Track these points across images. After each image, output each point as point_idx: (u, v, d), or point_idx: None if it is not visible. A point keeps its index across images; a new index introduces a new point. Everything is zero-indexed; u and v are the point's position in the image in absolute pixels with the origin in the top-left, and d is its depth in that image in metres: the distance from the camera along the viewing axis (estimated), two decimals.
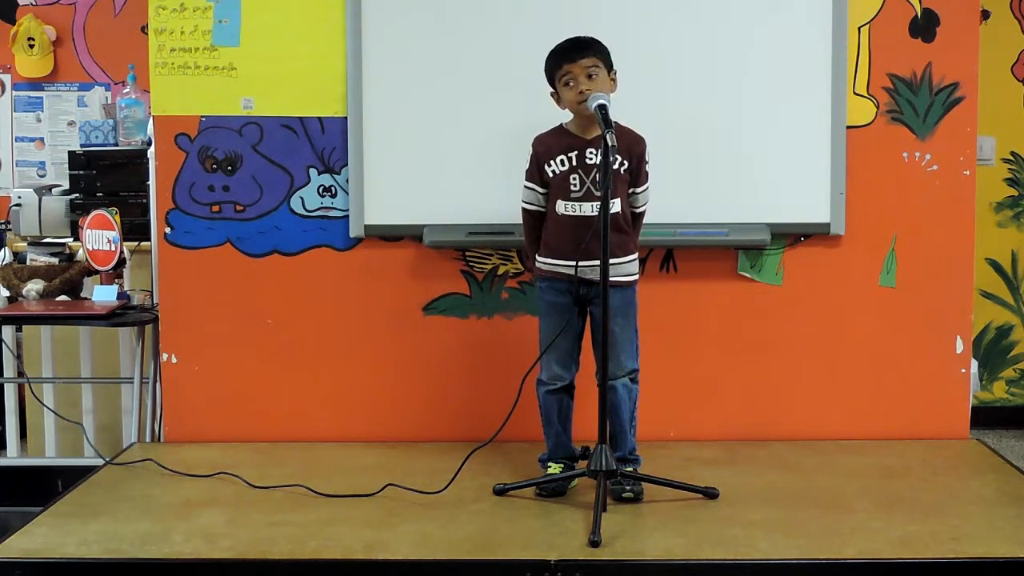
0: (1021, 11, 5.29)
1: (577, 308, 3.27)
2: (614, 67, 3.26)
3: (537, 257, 3.34)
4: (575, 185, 3.24)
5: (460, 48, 3.75)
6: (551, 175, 3.27)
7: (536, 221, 3.34)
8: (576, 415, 3.35)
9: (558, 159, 3.26)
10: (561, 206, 3.26)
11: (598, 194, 3.15)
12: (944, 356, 3.83)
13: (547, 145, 3.30)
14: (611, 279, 3.13)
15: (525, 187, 3.34)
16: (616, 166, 3.22)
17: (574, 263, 3.17)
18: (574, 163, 3.25)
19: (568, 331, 3.27)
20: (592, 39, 3.25)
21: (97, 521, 3.08)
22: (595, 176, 3.20)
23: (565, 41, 3.26)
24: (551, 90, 3.28)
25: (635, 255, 3.32)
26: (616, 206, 3.21)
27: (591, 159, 3.22)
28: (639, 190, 3.30)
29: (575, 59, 3.20)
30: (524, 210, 3.36)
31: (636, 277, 3.32)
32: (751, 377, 3.84)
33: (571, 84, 3.20)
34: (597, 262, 3.09)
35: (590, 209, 3.19)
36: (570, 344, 3.30)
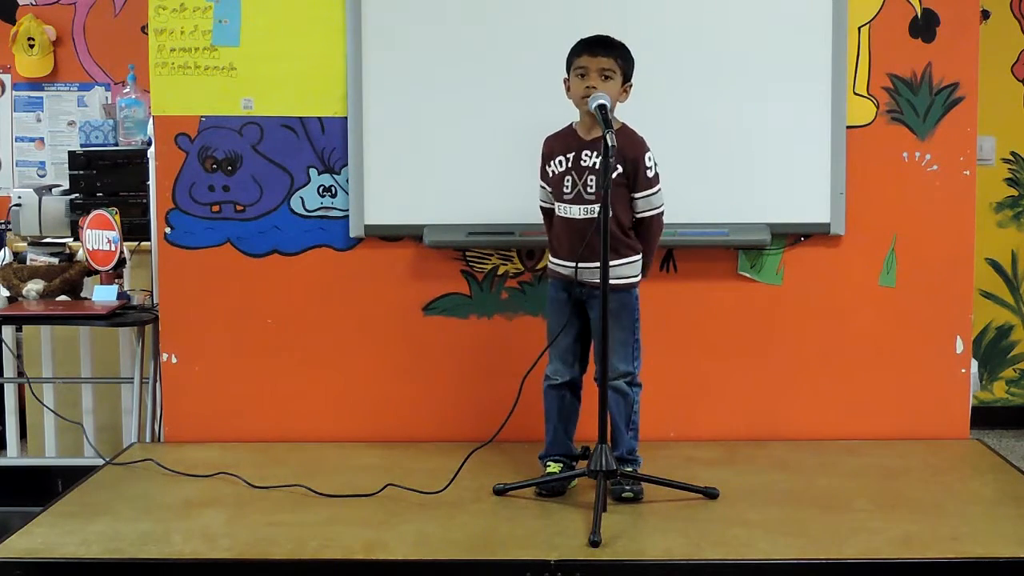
0: (1021, 11, 5.29)
1: (577, 308, 3.27)
2: (631, 80, 3.24)
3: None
4: (567, 188, 3.24)
5: (460, 48, 3.75)
6: (551, 175, 3.29)
7: (551, 219, 3.36)
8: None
9: (557, 160, 3.27)
10: (558, 208, 3.27)
11: (587, 197, 3.17)
12: (944, 356, 3.83)
13: (550, 146, 3.31)
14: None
15: (539, 186, 3.38)
16: None
17: (570, 264, 3.18)
18: (568, 165, 3.24)
19: (568, 329, 3.27)
20: (622, 44, 3.21)
21: (97, 521, 3.08)
22: (586, 179, 3.19)
23: (596, 35, 3.23)
24: (565, 76, 3.25)
25: (632, 258, 3.26)
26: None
27: (585, 161, 3.21)
28: (638, 196, 3.23)
29: (596, 54, 3.17)
30: (540, 208, 3.41)
31: (633, 280, 3.28)
32: (751, 377, 3.84)
33: (582, 77, 3.17)
34: (589, 264, 3.11)
35: (578, 212, 3.20)
36: (570, 342, 3.30)
